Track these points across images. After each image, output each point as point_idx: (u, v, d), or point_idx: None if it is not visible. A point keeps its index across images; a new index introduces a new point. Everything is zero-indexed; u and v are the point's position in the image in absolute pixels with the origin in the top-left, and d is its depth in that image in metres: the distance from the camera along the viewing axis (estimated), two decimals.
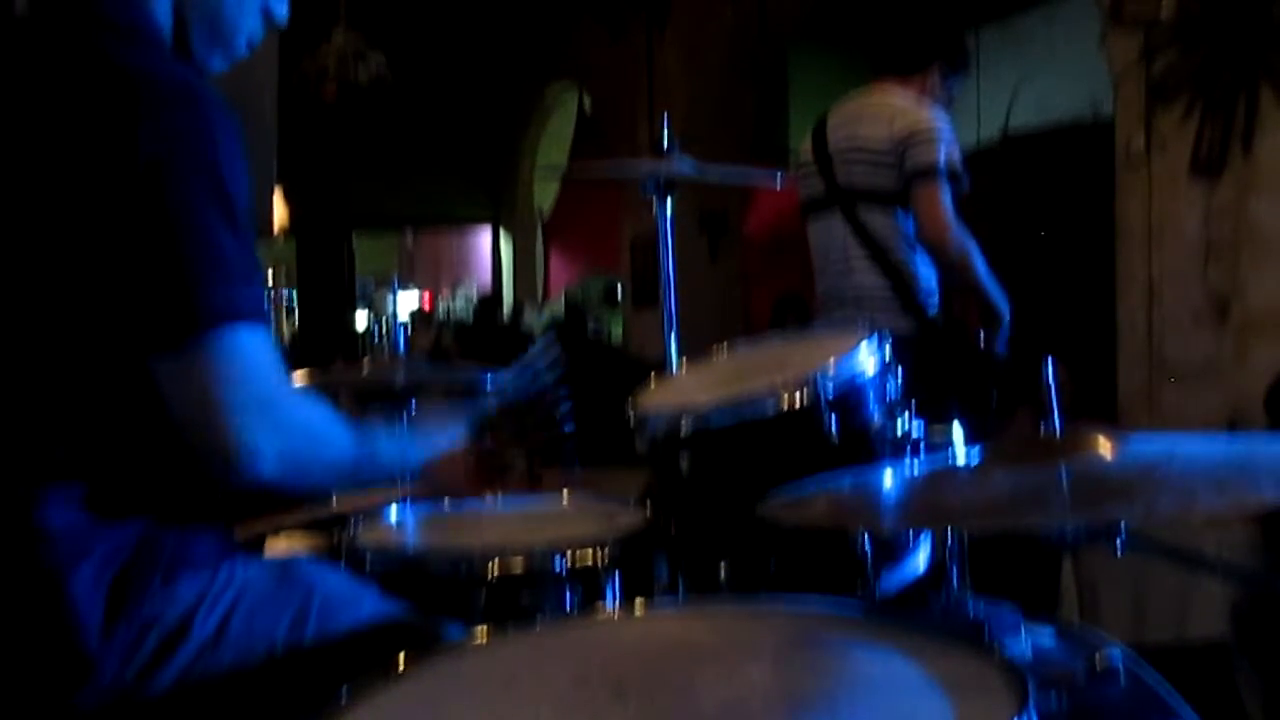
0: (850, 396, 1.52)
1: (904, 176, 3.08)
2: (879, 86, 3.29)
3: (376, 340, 14.60)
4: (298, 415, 1.22)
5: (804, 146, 3.37)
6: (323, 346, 11.71)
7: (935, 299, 3.14)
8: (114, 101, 1.13)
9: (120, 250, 1.12)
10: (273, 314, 14.23)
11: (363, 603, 1.34)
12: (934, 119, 3.12)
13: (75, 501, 1.16)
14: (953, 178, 3.07)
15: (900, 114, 3.12)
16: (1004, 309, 3.14)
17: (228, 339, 1.13)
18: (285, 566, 1.34)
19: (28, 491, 1.15)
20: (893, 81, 3.26)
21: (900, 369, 1.61)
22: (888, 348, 1.61)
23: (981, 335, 3.15)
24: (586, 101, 10.69)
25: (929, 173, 3.05)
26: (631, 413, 1.64)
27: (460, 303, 15.79)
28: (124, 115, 1.12)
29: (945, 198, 3.05)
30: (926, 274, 3.13)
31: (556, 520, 1.87)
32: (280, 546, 2.58)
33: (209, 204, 1.13)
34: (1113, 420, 4.44)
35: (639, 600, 1.56)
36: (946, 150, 3.07)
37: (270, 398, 1.17)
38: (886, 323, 2.96)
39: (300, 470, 1.22)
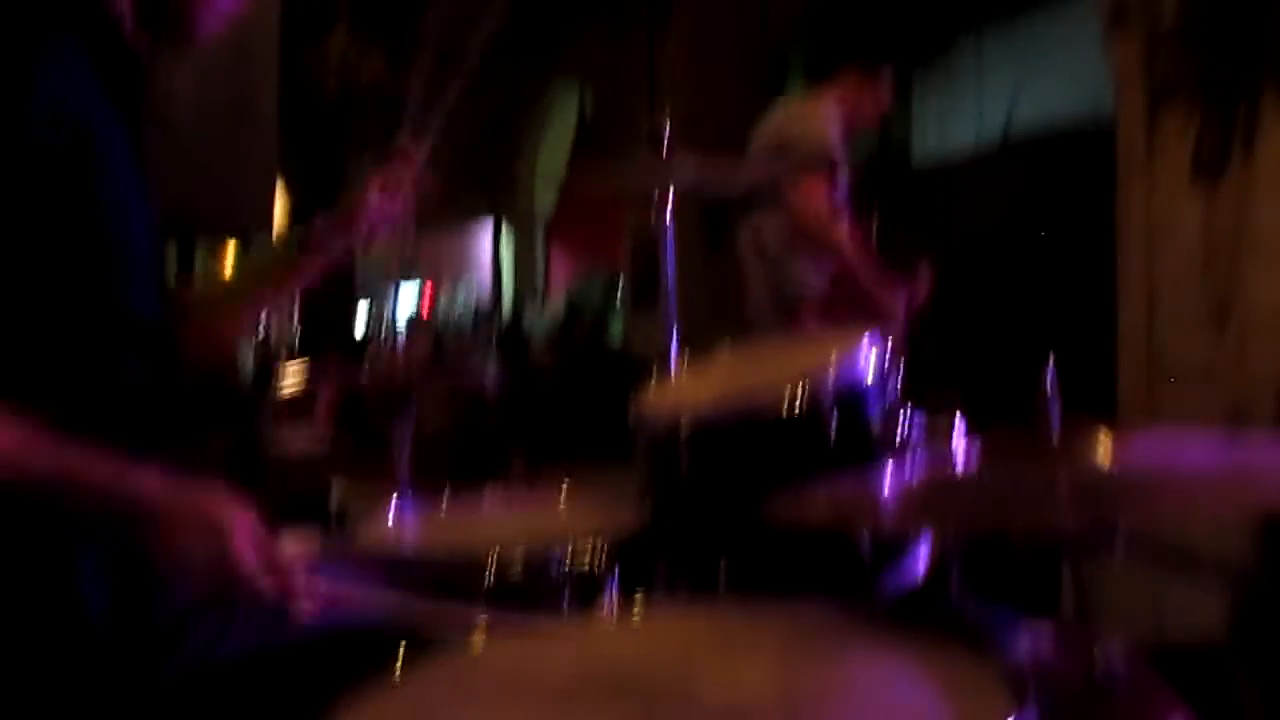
0: (850, 396, 1.52)
1: None
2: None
3: (378, 334, 14.58)
4: None
5: None
6: (321, 340, 11.71)
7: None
8: None
9: None
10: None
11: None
12: None
13: None
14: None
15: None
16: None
17: None
18: None
19: None
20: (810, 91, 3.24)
21: (899, 370, 1.61)
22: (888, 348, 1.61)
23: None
24: (588, 100, 10.69)
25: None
26: (632, 412, 1.64)
27: (460, 302, 15.78)
28: None
29: None
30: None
31: (556, 520, 1.87)
32: None
33: None
34: (1112, 421, 4.43)
35: (639, 600, 1.56)
36: None
37: None
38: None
39: None
